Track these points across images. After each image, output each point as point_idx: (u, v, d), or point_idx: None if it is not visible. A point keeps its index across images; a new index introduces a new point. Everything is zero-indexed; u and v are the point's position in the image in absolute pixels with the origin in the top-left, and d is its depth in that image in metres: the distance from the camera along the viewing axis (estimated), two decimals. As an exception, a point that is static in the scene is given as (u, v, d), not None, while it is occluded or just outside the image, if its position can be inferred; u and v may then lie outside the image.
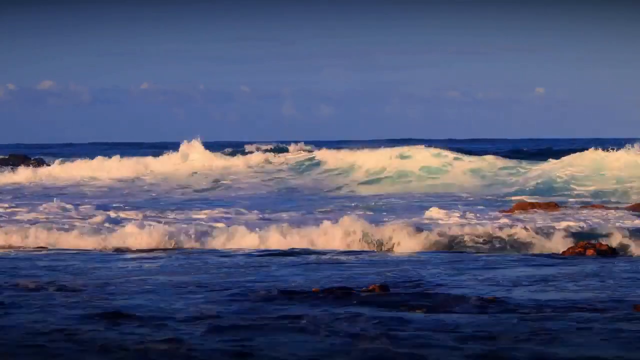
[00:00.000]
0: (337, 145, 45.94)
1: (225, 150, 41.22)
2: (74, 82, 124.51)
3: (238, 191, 29.42)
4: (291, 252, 13.72)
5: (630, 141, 37.50)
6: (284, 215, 19.05)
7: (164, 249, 14.47)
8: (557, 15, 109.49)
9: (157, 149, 55.04)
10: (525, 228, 15.44)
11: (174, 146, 38.77)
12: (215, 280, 10.67)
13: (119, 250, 14.30)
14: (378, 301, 8.99)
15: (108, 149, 59.74)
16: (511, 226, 15.71)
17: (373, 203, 23.48)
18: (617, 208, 21.30)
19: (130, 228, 15.49)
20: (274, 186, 31.31)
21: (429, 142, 40.23)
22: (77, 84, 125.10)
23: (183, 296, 9.42)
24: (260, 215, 18.99)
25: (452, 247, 14.93)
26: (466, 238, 15.27)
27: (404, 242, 14.88)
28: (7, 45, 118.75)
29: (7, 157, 45.00)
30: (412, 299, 9.12)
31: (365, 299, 9.16)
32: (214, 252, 14.11)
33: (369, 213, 19.50)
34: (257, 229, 15.69)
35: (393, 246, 14.93)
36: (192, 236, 15.23)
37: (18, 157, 44.97)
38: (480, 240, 15.15)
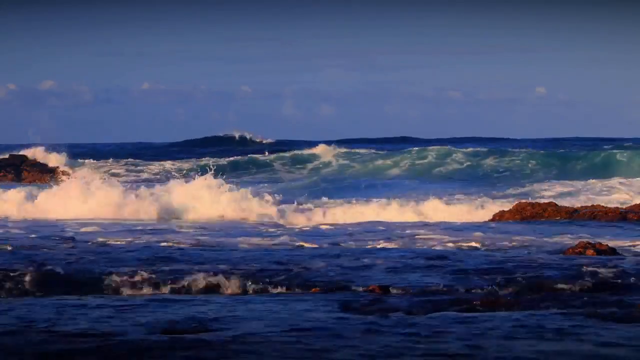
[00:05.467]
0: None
1: None
2: (74, 82, 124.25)
3: None
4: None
5: (631, 140, 37.57)
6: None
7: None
8: (557, 15, 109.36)
9: (157, 149, 55.02)
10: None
11: (174, 146, 38.64)
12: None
13: None
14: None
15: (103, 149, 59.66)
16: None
17: None
18: (617, 208, 21.22)
19: None
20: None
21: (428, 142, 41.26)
22: (77, 84, 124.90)
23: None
24: None
25: None
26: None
27: None
28: (7, 45, 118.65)
29: (7, 157, 44.87)
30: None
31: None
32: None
33: None
34: None
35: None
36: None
37: (18, 157, 44.85)
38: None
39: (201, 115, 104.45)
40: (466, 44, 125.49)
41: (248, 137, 60.24)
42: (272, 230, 18.60)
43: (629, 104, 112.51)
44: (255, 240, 16.08)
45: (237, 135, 60.52)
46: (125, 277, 10.40)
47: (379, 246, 15.20)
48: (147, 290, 10.12)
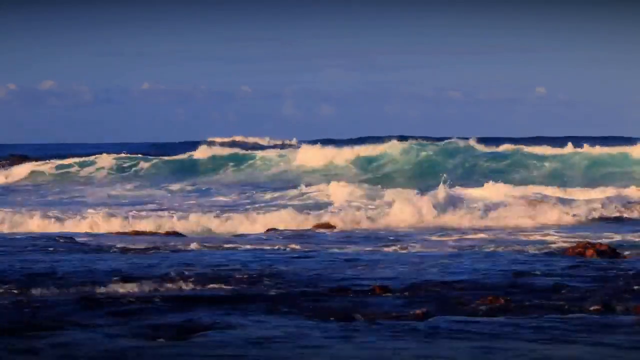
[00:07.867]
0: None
1: None
2: (74, 82, 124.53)
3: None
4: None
5: (632, 140, 37.46)
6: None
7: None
8: (557, 15, 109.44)
9: (158, 149, 55.05)
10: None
11: (176, 146, 38.66)
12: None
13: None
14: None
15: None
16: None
17: None
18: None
19: None
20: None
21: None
22: (77, 84, 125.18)
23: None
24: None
25: None
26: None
27: None
28: (7, 45, 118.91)
29: (7, 157, 44.94)
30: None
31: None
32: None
33: None
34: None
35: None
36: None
37: (18, 157, 44.89)
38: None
39: (201, 115, 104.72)
40: (466, 44, 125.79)
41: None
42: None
43: (629, 104, 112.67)
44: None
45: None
46: None
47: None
48: None
